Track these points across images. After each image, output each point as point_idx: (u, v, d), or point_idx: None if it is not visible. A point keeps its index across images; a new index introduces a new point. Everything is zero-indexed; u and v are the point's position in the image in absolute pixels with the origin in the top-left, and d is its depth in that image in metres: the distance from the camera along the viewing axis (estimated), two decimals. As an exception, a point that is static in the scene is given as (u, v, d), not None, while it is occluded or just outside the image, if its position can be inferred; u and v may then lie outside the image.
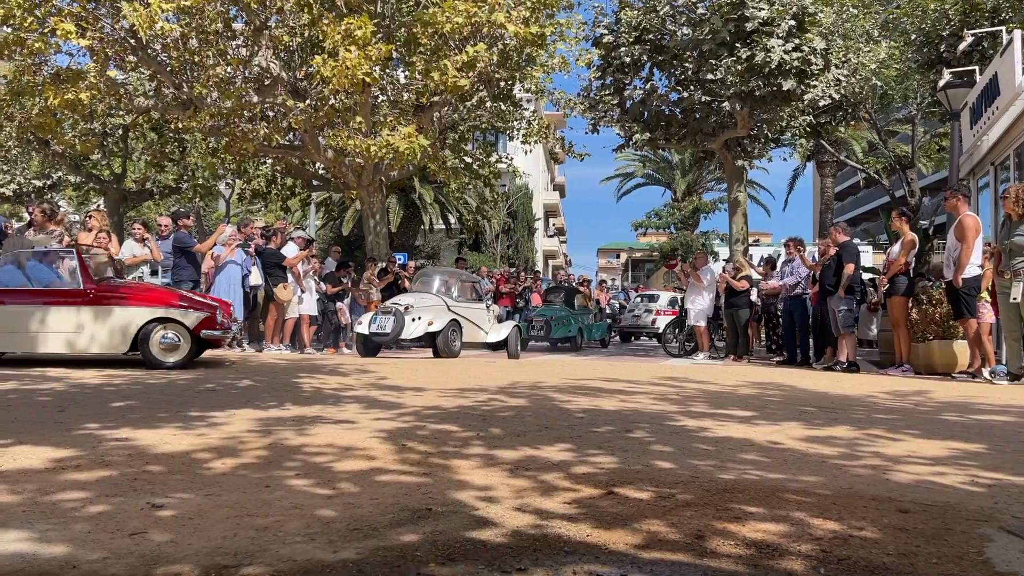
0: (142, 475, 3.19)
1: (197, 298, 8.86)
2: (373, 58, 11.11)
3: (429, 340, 10.79)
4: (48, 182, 21.46)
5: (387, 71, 14.18)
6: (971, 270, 8.55)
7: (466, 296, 12.04)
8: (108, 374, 7.12)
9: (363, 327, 11.02)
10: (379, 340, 10.95)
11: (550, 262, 52.06)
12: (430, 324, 10.68)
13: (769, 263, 13.50)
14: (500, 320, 13.19)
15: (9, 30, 11.73)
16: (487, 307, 12.62)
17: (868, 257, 23.57)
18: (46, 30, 11.66)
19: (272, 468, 3.38)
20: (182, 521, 2.54)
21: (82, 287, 8.12)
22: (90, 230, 10.21)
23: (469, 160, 17.96)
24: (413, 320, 10.66)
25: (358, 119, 12.31)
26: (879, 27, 16.99)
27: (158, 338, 8.13)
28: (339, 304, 13.35)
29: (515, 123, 17.04)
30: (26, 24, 11.37)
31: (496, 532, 2.49)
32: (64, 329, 8.04)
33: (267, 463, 3.48)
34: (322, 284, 13.03)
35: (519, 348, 12.66)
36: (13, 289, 8.11)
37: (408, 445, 3.94)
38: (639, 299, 24.25)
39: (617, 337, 23.06)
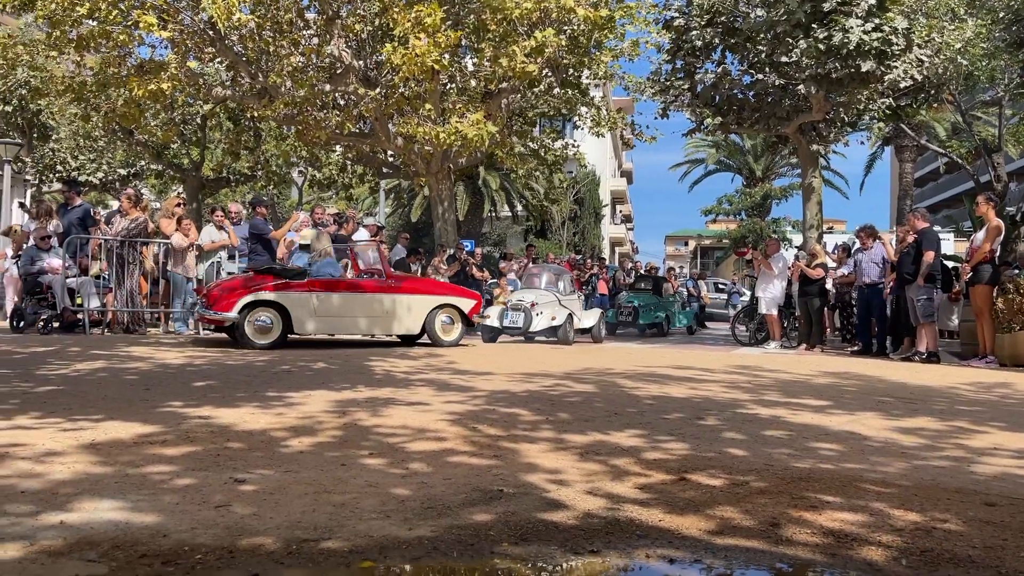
0: (224, 451, 3.30)
1: (464, 288, 10.89)
2: (442, 45, 11.16)
3: (551, 332, 12.15)
4: (132, 170, 22.25)
5: (456, 58, 14.23)
6: (1062, 258, 8.17)
7: (567, 289, 13.28)
8: (189, 355, 7.38)
9: (493, 320, 12.21)
10: (511, 333, 12.23)
11: (616, 249, 51.62)
12: (553, 319, 12.08)
13: (844, 250, 13.10)
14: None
15: (95, 23, 12.17)
16: (578, 297, 13.83)
17: (949, 245, 22.68)
18: (130, 23, 12.06)
19: (347, 447, 3.46)
20: (263, 496, 2.63)
21: (386, 279, 9.62)
22: (174, 216, 10.57)
23: (536, 146, 17.92)
24: (538, 315, 12.06)
25: (427, 106, 12.41)
26: (965, 4, 16.26)
27: (440, 320, 9.76)
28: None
29: (583, 109, 16.90)
30: (111, 17, 11.79)
31: (567, 514, 2.50)
32: (373, 314, 9.41)
33: (342, 442, 3.56)
34: (392, 270, 13.22)
35: (603, 333, 13.80)
36: (335, 280, 9.30)
37: (478, 428, 3.98)
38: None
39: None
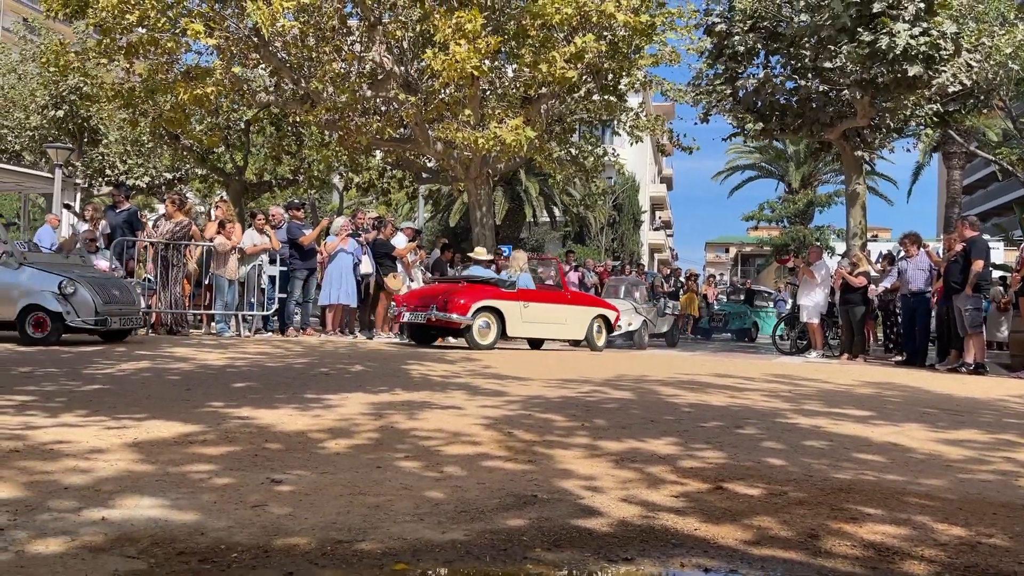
0: (262, 452, 3.34)
1: (607, 302, 12.53)
2: (482, 51, 11.20)
3: (627, 336, 13.20)
4: (177, 174, 22.65)
5: (496, 64, 14.27)
6: (1118, 268, 7.92)
7: (643, 298, 14.56)
8: (230, 356, 7.49)
9: None
10: None
11: (656, 256, 51.25)
12: (629, 324, 13.06)
13: (888, 259, 12.85)
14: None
15: (144, 31, 12.44)
16: (654, 305, 14.98)
17: (999, 254, 22.15)
18: (177, 30, 12.32)
19: (383, 450, 3.48)
20: (299, 496, 2.65)
21: (563, 291, 11.37)
22: (215, 219, 10.74)
23: (575, 152, 17.90)
24: None
25: (467, 112, 12.45)
26: (1015, 9, 15.88)
27: (595, 328, 11.28)
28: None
29: (622, 115, 16.83)
30: (159, 25, 12.05)
31: (602, 521, 2.48)
32: (558, 321, 10.92)
33: (378, 445, 3.58)
34: (429, 273, 13.30)
35: (677, 338, 15.35)
36: (535, 291, 10.80)
37: (513, 433, 3.97)
38: None
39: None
